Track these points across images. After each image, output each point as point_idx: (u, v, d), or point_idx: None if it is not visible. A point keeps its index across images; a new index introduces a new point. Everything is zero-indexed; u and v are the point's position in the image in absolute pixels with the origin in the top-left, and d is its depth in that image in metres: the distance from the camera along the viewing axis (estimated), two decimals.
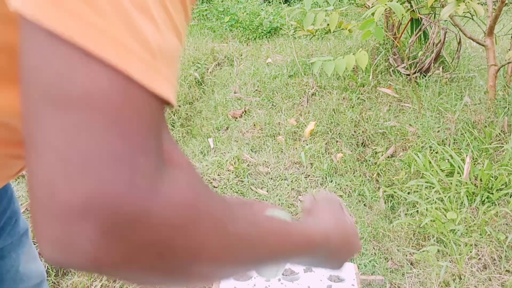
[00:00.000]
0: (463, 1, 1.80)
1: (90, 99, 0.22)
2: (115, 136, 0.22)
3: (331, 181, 2.08)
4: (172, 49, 0.25)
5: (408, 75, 2.89)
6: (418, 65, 2.97)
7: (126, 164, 0.22)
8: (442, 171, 1.91)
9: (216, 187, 2.08)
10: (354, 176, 2.10)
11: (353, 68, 3.12)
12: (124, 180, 0.21)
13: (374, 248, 1.63)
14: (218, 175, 2.18)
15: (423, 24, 3.00)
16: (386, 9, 1.83)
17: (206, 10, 5.07)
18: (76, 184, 0.21)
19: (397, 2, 1.85)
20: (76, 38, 0.22)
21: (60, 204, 0.21)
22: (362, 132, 2.43)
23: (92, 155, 0.21)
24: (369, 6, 2.62)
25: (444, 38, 2.88)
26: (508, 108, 2.30)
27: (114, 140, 0.22)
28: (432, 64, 2.93)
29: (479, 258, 1.53)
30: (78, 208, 0.21)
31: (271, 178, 2.12)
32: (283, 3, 5.19)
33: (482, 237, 1.59)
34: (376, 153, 2.26)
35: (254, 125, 2.62)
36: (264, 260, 0.33)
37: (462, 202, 1.75)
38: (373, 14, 1.83)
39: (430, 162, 1.95)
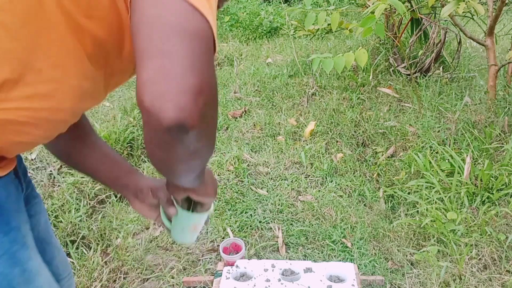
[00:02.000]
0: (463, 0, 1.79)
1: (193, 29, 0.46)
2: (206, 54, 0.47)
3: (331, 181, 2.08)
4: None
5: (408, 75, 2.88)
6: (418, 65, 2.97)
7: (211, 73, 0.48)
8: (442, 171, 1.91)
9: None
10: (354, 176, 2.10)
11: (353, 68, 3.12)
12: (208, 81, 0.47)
13: (374, 248, 1.63)
14: (218, 175, 2.17)
15: (423, 24, 3.00)
16: (386, 8, 1.82)
17: None
18: (195, 78, 0.44)
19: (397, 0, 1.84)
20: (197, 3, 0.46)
21: (174, 87, 0.43)
22: (362, 132, 2.43)
23: (198, 64, 0.45)
24: (369, 6, 2.62)
25: (445, 38, 2.88)
26: (509, 108, 2.29)
27: (205, 58, 0.47)
28: (432, 64, 2.93)
29: (480, 258, 1.53)
30: (192, 91, 0.44)
31: (271, 178, 2.12)
32: (283, 3, 5.19)
33: (482, 237, 1.59)
34: (376, 153, 2.26)
35: (254, 125, 2.62)
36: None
37: (462, 202, 1.75)
38: (372, 12, 1.82)
39: (430, 162, 1.95)
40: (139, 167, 2.22)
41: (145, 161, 2.26)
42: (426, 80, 2.85)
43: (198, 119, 0.45)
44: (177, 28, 0.46)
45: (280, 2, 5.27)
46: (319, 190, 2.02)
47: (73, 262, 1.54)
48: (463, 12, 1.91)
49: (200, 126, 0.46)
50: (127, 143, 2.30)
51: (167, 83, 0.44)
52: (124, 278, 1.52)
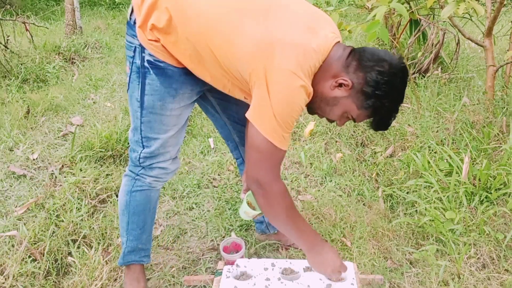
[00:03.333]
0: (463, 1, 1.80)
1: (265, 150, 1.09)
2: (269, 161, 1.13)
3: (331, 180, 2.09)
4: (288, 139, 1.11)
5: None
6: (417, 65, 2.99)
7: (269, 174, 1.15)
8: (441, 171, 1.92)
9: (217, 187, 2.09)
10: (354, 176, 2.11)
11: None
12: (268, 180, 1.14)
13: (373, 247, 1.64)
14: (219, 174, 2.19)
15: (422, 25, 3.01)
16: (386, 11, 1.84)
17: None
18: (259, 172, 1.13)
19: (396, 2, 1.85)
20: (263, 132, 1.07)
21: (253, 175, 1.15)
22: (361, 132, 2.44)
23: (263, 166, 1.13)
24: (368, 7, 2.63)
25: (443, 38, 2.90)
26: (507, 109, 2.31)
27: (268, 164, 1.13)
28: (431, 65, 2.94)
29: (478, 258, 1.54)
30: (258, 181, 1.14)
31: None
32: None
33: (480, 236, 1.60)
34: (375, 153, 2.27)
35: None
36: (288, 233, 1.26)
37: (460, 202, 1.76)
38: (374, 16, 1.83)
39: (429, 162, 1.96)
40: None
41: None
42: (424, 80, 2.86)
43: (255, 191, 1.16)
44: (255, 147, 1.10)
45: None
46: (319, 190, 2.03)
47: (74, 261, 1.55)
48: (462, 13, 1.92)
49: (257, 195, 1.17)
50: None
51: (248, 171, 1.16)
52: None
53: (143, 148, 1.27)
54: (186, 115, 1.28)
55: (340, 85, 1.08)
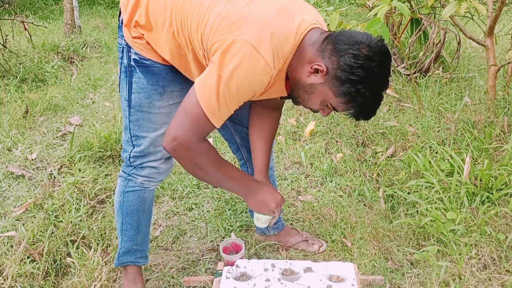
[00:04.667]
0: (465, 0, 1.79)
1: (193, 113, 1.03)
2: (192, 126, 1.04)
3: (331, 181, 2.08)
4: (223, 116, 1.05)
5: (408, 75, 2.89)
6: (418, 65, 2.98)
7: (190, 134, 1.05)
8: (442, 171, 1.91)
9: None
10: (354, 176, 2.10)
11: None
12: (187, 139, 1.05)
13: (374, 248, 1.63)
14: None
15: (423, 24, 3.00)
16: (387, 9, 1.83)
17: None
18: (178, 131, 1.05)
19: (397, 1, 1.84)
20: (199, 98, 1.02)
21: (168, 132, 1.07)
22: (362, 132, 2.43)
23: (182, 126, 1.04)
24: (369, 6, 2.62)
25: (444, 38, 2.88)
26: (508, 108, 2.30)
27: (191, 127, 1.04)
28: (432, 64, 2.93)
29: (479, 258, 1.53)
30: (176, 139, 1.05)
31: None
32: None
33: (482, 237, 1.59)
34: (376, 153, 2.26)
35: None
36: (222, 185, 1.21)
37: (462, 202, 1.75)
38: (375, 15, 1.82)
39: (430, 162, 1.95)
40: None
41: None
42: (425, 80, 2.85)
43: (171, 151, 1.07)
44: (184, 107, 1.05)
45: None
46: (319, 190, 2.02)
47: (73, 262, 1.54)
48: (463, 12, 1.91)
49: (175, 156, 1.09)
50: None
51: (167, 129, 1.07)
52: None
53: (133, 147, 1.27)
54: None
55: (316, 71, 1.02)
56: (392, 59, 3.14)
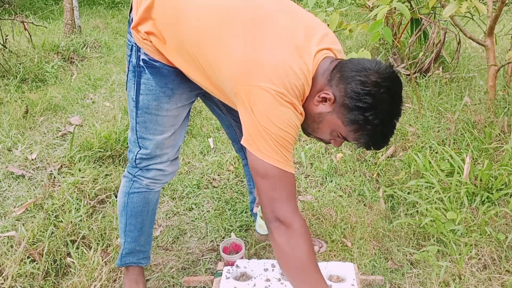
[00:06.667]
0: (465, 0, 1.79)
1: (270, 177, 0.99)
2: (283, 192, 1.01)
3: (331, 181, 2.08)
4: (291, 160, 1.02)
5: (408, 75, 2.89)
6: (418, 65, 2.98)
7: (286, 206, 1.01)
8: (442, 171, 1.91)
9: (216, 187, 2.08)
10: (354, 176, 2.10)
11: None
12: (287, 213, 1.01)
13: (374, 248, 1.63)
14: (218, 175, 2.18)
15: (423, 24, 3.00)
16: (388, 10, 1.83)
17: None
18: (274, 206, 1.01)
19: (397, 1, 1.84)
20: (262, 157, 0.98)
21: (269, 210, 1.02)
22: None
23: (277, 199, 1.01)
24: (369, 6, 2.62)
25: (444, 38, 2.88)
26: (508, 108, 2.30)
27: (283, 195, 1.01)
28: (432, 64, 2.93)
29: (479, 258, 1.53)
30: (276, 216, 1.01)
31: None
32: None
33: (482, 237, 1.59)
34: (376, 153, 2.26)
35: None
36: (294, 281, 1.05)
37: (462, 202, 1.75)
38: (375, 16, 1.82)
39: (430, 162, 1.95)
40: None
41: None
42: (425, 80, 2.85)
43: (272, 227, 1.02)
44: (260, 174, 1.01)
45: None
46: (319, 190, 2.02)
47: (73, 262, 1.54)
48: (463, 12, 1.90)
49: (276, 232, 1.02)
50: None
51: (263, 204, 1.04)
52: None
53: (140, 148, 1.25)
54: (183, 115, 1.25)
55: (324, 99, 1.00)
56: (392, 59, 3.14)
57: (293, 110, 0.98)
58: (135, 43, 1.14)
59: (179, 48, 1.08)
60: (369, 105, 0.95)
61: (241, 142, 1.02)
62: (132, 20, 1.14)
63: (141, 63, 1.15)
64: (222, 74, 1.02)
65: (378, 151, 2.25)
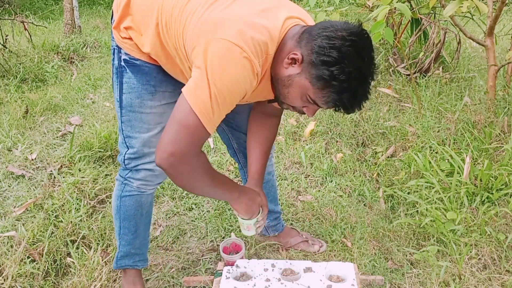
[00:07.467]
0: None
1: (188, 124, 0.96)
2: (190, 137, 0.97)
3: (331, 181, 2.08)
4: (216, 121, 0.99)
5: (408, 75, 2.89)
6: (418, 65, 2.97)
7: (189, 147, 0.98)
8: (442, 171, 1.91)
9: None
10: (354, 176, 2.10)
11: None
12: (187, 153, 0.98)
13: (374, 248, 1.63)
14: None
15: (423, 24, 3.00)
16: (388, 10, 1.83)
17: None
18: (175, 145, 0.97)
19: (397, 2, 1.84)
20: (192, 105, 0.95)
21: (163, 149, 0.97)
22: (362, 132, 2.43)
23: (179, 139, 0.97)
24: (369, 6, 2.62)
25: (444, 38, 2.88)
26: (508, 108, 2.30)
27: (189, 139, 0.97)
28: (432, 64, 2.93)
29: (479, 258, 1.53)
30: (174, 153, 0.97)
31: None
32: None
33: (482, 237, 1.59)
34: (376, 153, 2.26)
35: None
36: (209, 194, 1.23)
37: (462, 202, 1.75)
38: (376, 16, 1.82)
39: (430, 162, 1.95)
40: None
41: None
42: (425, 80, 2.85)
43: (168, 168, 0.98)
44: (176, 119, 0.98)
45: None
46: (319, 190, 2.02)
47: (73, 262, 1.54)
48: (463, 13, 1.90)
49: (171, 173, 1.00)
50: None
51: (159, 145, 0.98)
52: None
53: (128, 148, 1.25)
54: (170, 113, 1.22)
55: (293, 61, 0.97)
56: (392, 59, 3.14)
57: (249, 67, 0.95)
58: (117, 45, 1.17)
59: (153, 34, 1.08)
60: (334, 58, 0.91)
61: (182, 89, 0.98)
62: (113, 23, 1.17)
63: (122, 63, 1.17)
64: (188, 38, 1.00)
65: (377, 152, 2.25)
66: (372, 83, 0.99)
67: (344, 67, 0.91)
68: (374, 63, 0.98)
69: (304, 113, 1.06)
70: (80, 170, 2.08)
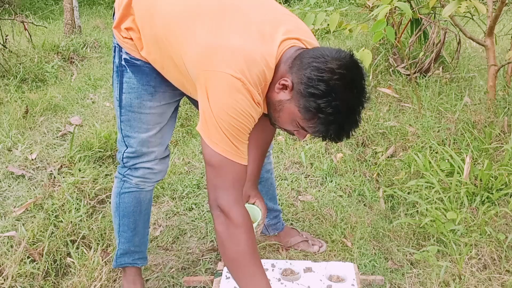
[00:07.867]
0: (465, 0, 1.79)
1: (215, 166, 1.00)
2: (225, 182, 1.02)
3: (331, 181, 2.08)
4: (243, 151, 1.02)
5: (408, 75, 2.89)
6: (418, 65, 2.97)
7: (227, 195, 1.01)
8: (442, 171, 1.91)
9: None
10: (354, 176, 2.10)
11: None
12: (226, 202, 1.02)
13: (374, 248, 1.63)
14: None
15: (423, 24, 3.00)
16: (388, 9, 1.82)
17: None
18: (216, 193, 1.02)
19: (397, 1, 1.84)
20: (210, 144, 0.99)
21: (211, 196, 1.03)
22: (362, 132, 2.43)
23: (219, 187, 1.02)
24: (369, 6, 2.62)
25: (444, 38, 2.88)
26: (508, 108, 2.30)
27: (225, 184, 1.02)
28: (432, 64, 2.93)
29: (479, 258, 1.53)
30: (216, 203, 1.02)
31: None
32: (283, 3, 5.19)
33: (482, 237, 1.59)
34: (376, 153, 2.26)
35: None
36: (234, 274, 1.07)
37: (462, 202, 1.75)
38: (376, 16, 1.82)
39: (430, 162, 1.95)
40: None
41: None
42: (425, 80, 2.85)
43: (214, 214, 1.03)
44: (206, 161, 1.02)
45: (280, 3, 5.27)
46: (319, 190, 2.02)
47: (73, 262, 1.54)
48: (463, 12, 1.90)
49: (216, 219, 1.03)
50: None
51: (211, 199, 1.04)
52: None
53: (126, 147, 1.26)
54: (169, 114, 1.26)
55: (284, 87, 0.98)
56: (392, 59, 3.14)
57: (249, 98, 0.96)
58: (117, 44, 1.17)
59: (152, 40, 1.09)
60: (321, 92, 0.91)
61: (196, 128, 1.02)
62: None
63: (123, 62, 1.17)
64: (187, 62, 1.02)
65: (377, 152, 2.26)
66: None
67: (331, 101, 0.91)
68: (365, 92, 0.97)
69: (293, 134, 1.07)
70: (80, 170, 2.08)
